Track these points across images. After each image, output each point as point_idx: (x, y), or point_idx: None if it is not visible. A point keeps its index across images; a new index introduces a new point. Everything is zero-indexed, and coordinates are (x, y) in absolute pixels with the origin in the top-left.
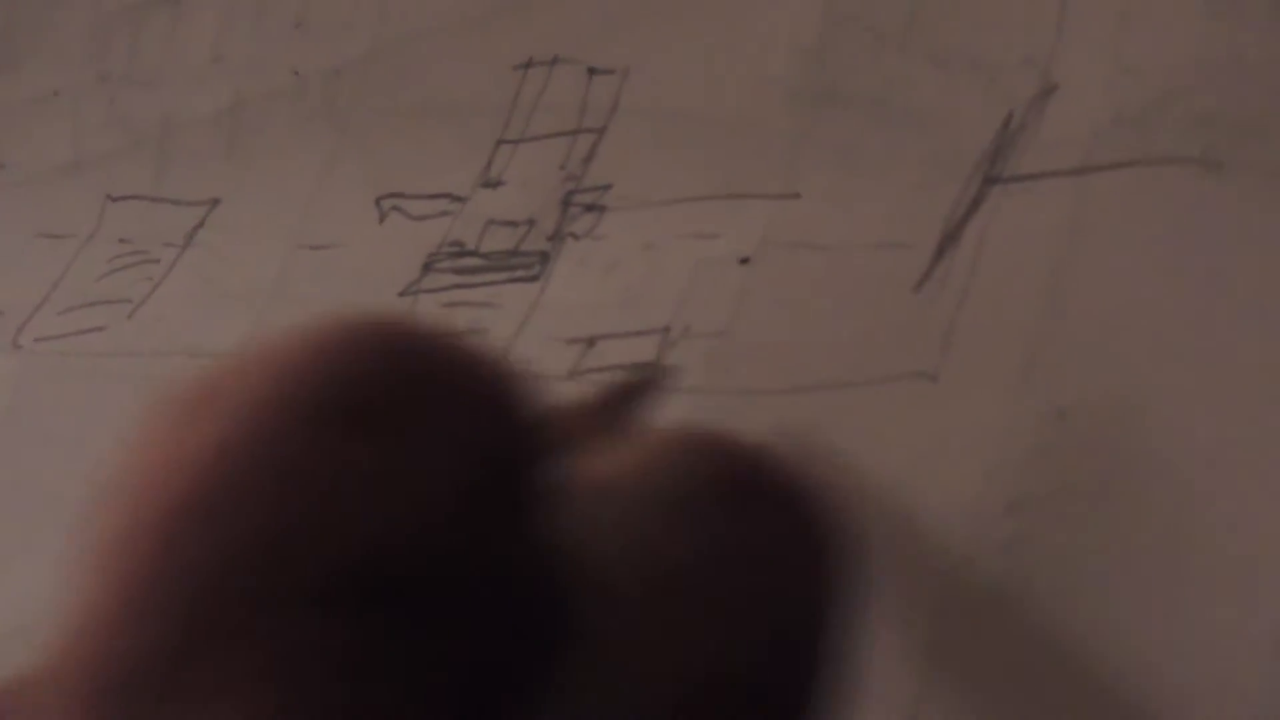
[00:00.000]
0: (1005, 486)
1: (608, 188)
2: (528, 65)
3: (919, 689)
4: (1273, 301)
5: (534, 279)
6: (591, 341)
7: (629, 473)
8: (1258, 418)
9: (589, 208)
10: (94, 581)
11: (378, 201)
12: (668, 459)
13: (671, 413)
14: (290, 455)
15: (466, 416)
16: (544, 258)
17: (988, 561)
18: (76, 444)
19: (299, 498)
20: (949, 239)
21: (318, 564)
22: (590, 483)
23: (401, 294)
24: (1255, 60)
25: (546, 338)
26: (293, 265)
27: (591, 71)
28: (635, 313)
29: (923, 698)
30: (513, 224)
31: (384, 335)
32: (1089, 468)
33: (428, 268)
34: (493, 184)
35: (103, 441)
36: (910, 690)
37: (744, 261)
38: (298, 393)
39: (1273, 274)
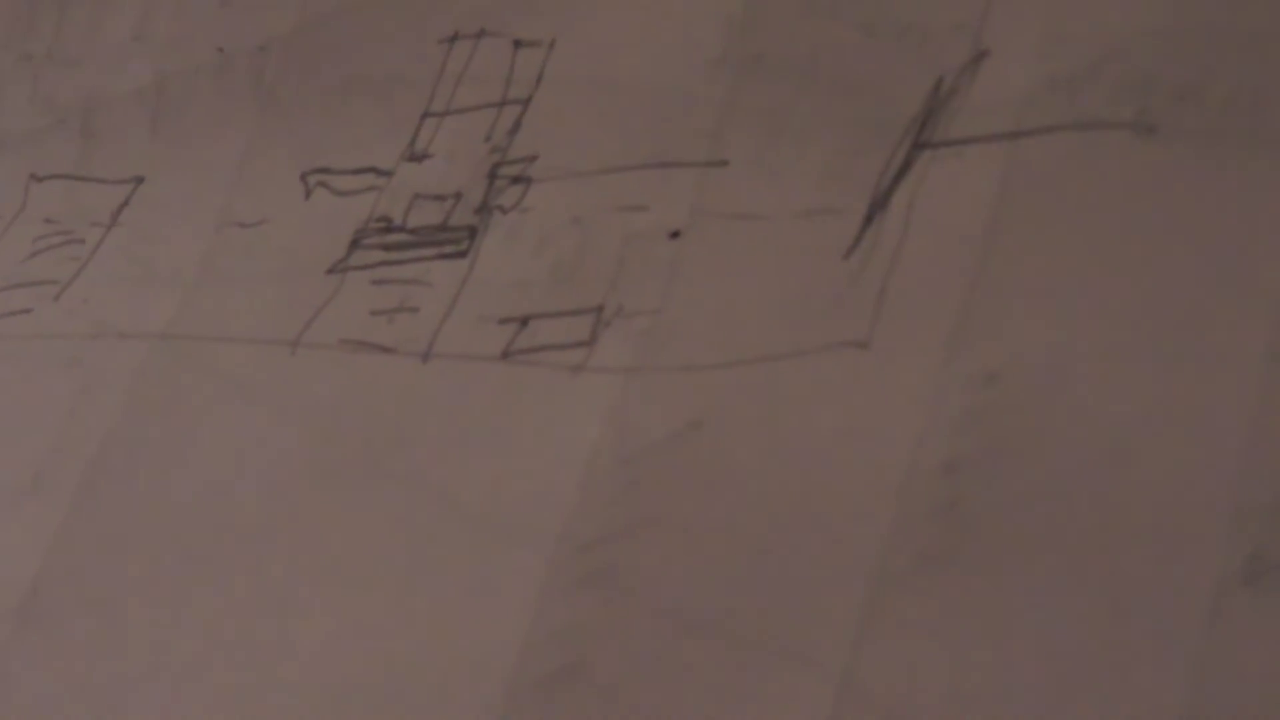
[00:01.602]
0: (938, 450)
1: (534, 159)
2: (453, 39)
3: (854, 653)
4: (1204, 263)
5: (463, 255)
6: (525, 321)
7: None
8: (1186, 376)
9: (515, 180)
10: None
11: (303, 177)
12: None
13: (605, 395)
14: None
15: None
16: (472, 232)
17: (923, 524)
18: (5, 430)
19: None
20: (878, 205)
21: None
22: None
23: (330, 271)
24: (1191, 24)
25: (479, 317)
26: (220, 243)
27: (517, 44)
28: (567, 291)
29: (858, 663)
30: (440, 198)
31: None
32: (1021, 429)
33: (355, 244)
34: (418, 158)
35: (33, 425)
36: (844, 655)
37: (674, 235)
38: None
39: (1204, 236)
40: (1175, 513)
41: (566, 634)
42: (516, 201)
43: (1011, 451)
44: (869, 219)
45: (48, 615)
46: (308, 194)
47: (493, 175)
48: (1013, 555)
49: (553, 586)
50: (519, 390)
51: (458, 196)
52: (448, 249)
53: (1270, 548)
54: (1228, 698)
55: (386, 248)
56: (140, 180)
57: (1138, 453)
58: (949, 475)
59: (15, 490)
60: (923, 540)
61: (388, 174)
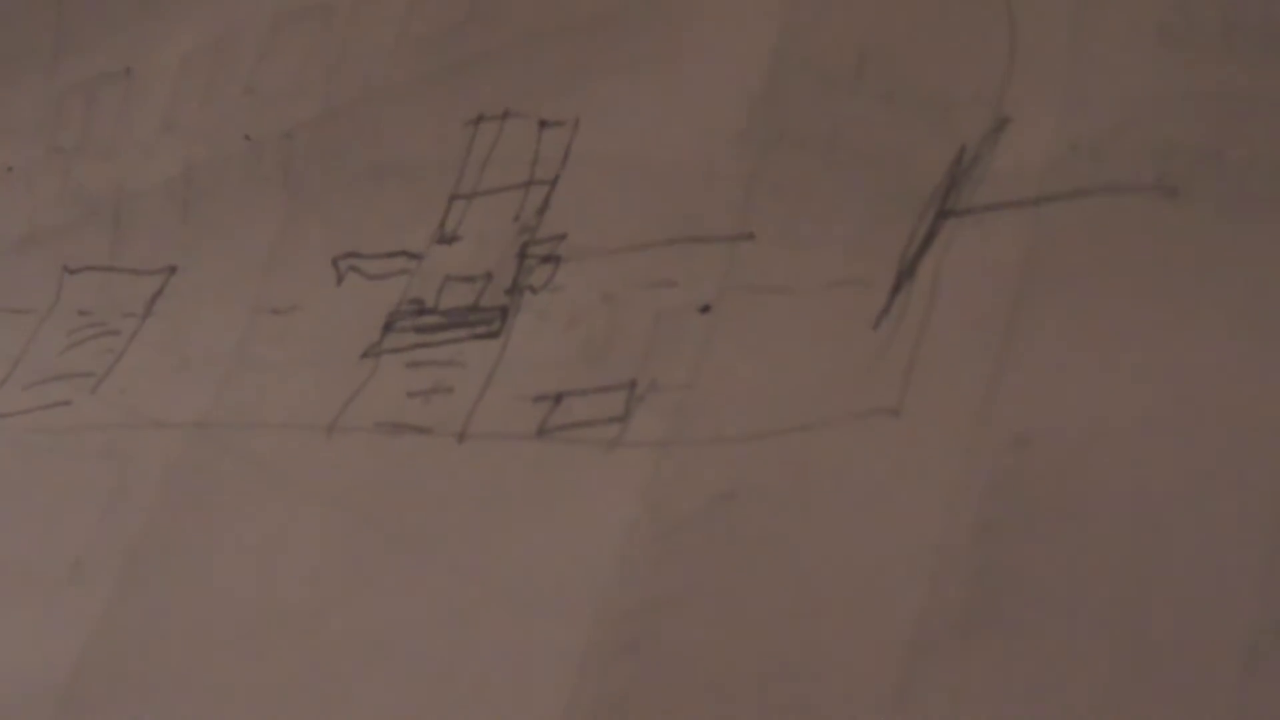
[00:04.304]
0: (969, 516)
1: (563, 237)
2: (478, 120)
3: None
4: (1229, 324)
5: (495, 335)
6: (558, 398)
7: None
8: (1218, 442)
9: (545, 259)
10: None
11: (335, 262)
12: None
13: (639, 469)
14: None
15: None
16: (503, 312)
17: (956, 590)
18: (45, 520)
19: None
20: (905, 274)
21: None
22: None
23: (364, 355)
24: (1208, 88)
25: (513, 396)
26: (253, 330)
27: (542, 124)
28: (600, 368)
29: None
30: (470, 279)
31: None
32: (1052, 494)
33: (388, 327)
34: (448, 240)
35: (72, 515)
36: None
37: (704, 310)
38: None
39: (1230, 298)
40: (1207, 573)
41: (605, 704)
42: (547, 280)
43: (1043, 515)
44: (896, 288)
45: (88, 702)
46: (340, 279)
47: (522, 255)
48: (1046, 618)
49: (591, 659)
50: (554, 467)
51: (488, 277)
52: (480, 329)
53: None
54: None
55: (420, 330)
56: (173, 270)
57: (1169, 514)
58: (981, 540)
59: (55, 579)
60: (957, 605)
61: (418, 257)
